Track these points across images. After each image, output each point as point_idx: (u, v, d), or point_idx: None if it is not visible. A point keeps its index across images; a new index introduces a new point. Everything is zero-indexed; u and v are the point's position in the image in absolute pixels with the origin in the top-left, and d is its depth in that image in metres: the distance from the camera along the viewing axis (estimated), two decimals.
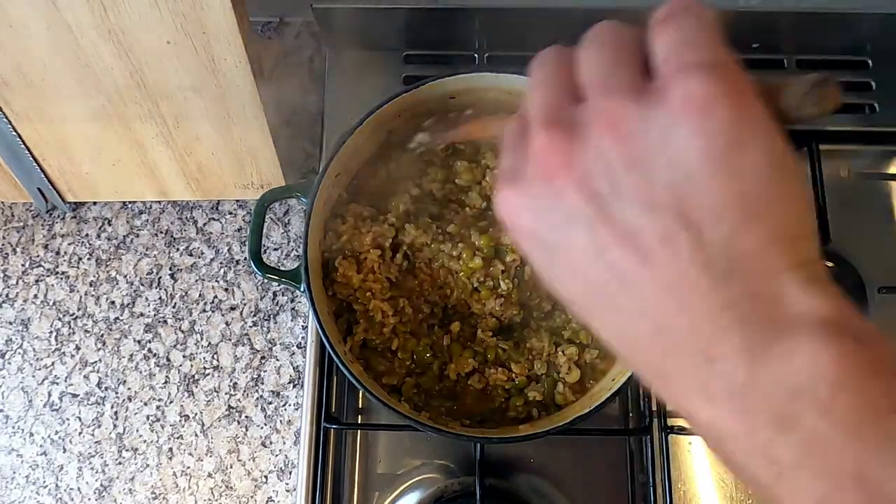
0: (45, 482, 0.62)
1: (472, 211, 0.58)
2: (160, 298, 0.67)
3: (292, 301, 0.67)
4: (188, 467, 0.63)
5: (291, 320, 0.66)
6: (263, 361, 0.65)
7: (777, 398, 0.23)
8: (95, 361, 0.66)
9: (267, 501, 0.62)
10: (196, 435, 0.63)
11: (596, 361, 0.55)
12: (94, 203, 0.70)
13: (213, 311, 0.67)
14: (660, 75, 0.25)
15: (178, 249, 0.69)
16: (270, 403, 0.64)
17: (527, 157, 0.27)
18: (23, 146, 0.60)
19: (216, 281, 0.68)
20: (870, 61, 0.71)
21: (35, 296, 0.68)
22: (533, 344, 0.56)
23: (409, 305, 0.56)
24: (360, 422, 0.64)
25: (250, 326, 0.66)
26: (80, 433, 0.64)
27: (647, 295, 0.25)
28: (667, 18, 0.26)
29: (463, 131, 0.48)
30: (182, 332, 0.66)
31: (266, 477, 0.62)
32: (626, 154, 0.24)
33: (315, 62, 0.75)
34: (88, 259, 0.69)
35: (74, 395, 0.65)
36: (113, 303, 0.67)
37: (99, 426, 0.64)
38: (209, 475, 0.62)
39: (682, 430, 0.59)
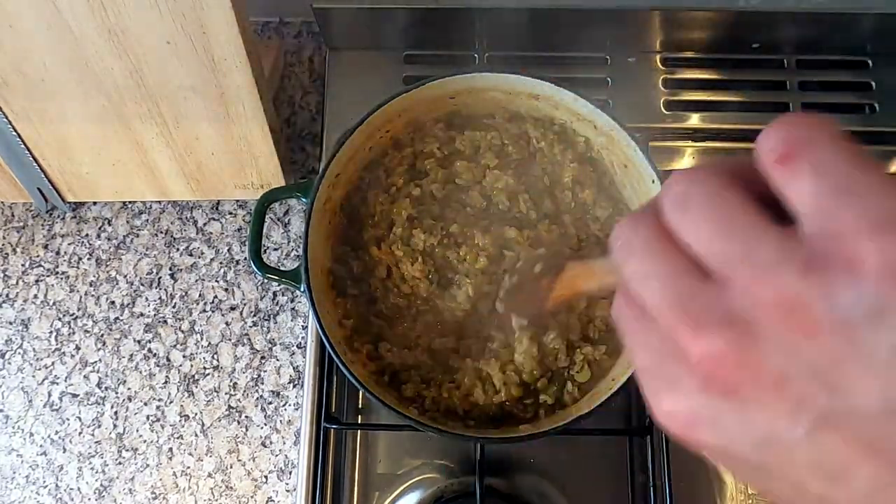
0: (45, 482, 0.62)
1: (473, 210, 0.58)
2: (160, 298, 0.67)
3: (292, 301, 0.67)
4: (188, 467, 0.63)
5: (291, 320, 0.66)
6: (263, 361, 0.65)
7: None
8: (95, 361, 0.66)
9: (267, 501, 0.62)
10: (196, 435, 0.63)
11: (603, 358, 0.54)
12: (94, 203, 0.70)
13: (213, 311, 0.67)
14: (815, 233, 0.20)
15: (178, 249, 0.69)
16: (270, 403, 0.64)
17: (679, 364, 0.22)
18: (23, 146, 0.60)
19: (216, 281, 0.68)
20: (870, 61, 0.71)
21: (35, 296, 0.68)
22: (546, 342, 0.55)
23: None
24: (360, 422, 0.64)
25: (250, 326, 0.66)
26: (80, 433, 0.64)
27: None
28: (789, 156, 0.20)
29: (553, 301, 0.40)
30: (182, 332, 0.66)
31: (266, 477, 0.62)
32: (833, 347, 0.19)
33: (315, 62, 0.75)
34: (88, 259, 0.69)
35: (74, 395, 0.65)
36: (113, 303, 0.67)
37: (99, 426, 0.64)
38: (209, 475, 0.62)
39: None
